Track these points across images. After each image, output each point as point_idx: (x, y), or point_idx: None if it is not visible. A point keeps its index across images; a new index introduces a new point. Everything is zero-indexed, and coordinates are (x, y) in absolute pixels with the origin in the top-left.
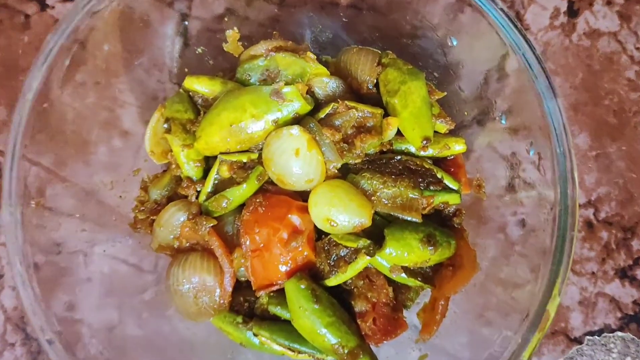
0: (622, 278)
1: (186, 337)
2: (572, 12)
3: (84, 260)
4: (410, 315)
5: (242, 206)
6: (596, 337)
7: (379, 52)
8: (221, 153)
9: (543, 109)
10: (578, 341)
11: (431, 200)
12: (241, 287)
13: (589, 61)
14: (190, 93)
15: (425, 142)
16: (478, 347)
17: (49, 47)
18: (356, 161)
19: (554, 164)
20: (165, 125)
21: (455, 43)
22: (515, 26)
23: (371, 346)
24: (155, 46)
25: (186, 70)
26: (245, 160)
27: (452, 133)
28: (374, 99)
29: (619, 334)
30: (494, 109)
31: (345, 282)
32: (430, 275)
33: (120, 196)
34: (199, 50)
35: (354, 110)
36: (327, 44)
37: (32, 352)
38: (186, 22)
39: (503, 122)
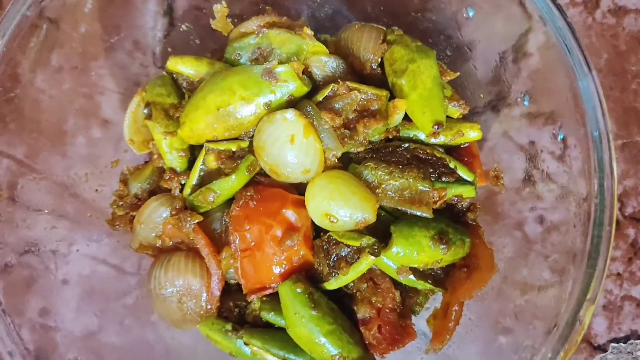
0: None
1: (172, 346)
2: None
3: (60, 260)
4: (419, 322)
5: (231, 200)
6: (622, 344)
7: (384, 28)
8: (207, 141)
9: (575, 89)
10: (602, 349)
11: (443, 193)
12: (231, 291)
13: (615, 41)
14: (174, 75)
15: (436, 127)
16: (495, 359)
17: (7, 23)
18: (359, 149)
19: (590, 151)
20: (146, 111)
21: (471, 15)
22: None
23: (376, 357)
24: (138, 26)
25: (170, 50)
26: (234, 149)
27: (465, 118)
28: (378, 80)
29: None
30: (511, 93)
31: (346, 286)
32: (442, 278)
33: (97, 190)
34: (184, 27)
35: (356, 92)
36: (326, 20)
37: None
38: (172, 0)
39: (526, 103)
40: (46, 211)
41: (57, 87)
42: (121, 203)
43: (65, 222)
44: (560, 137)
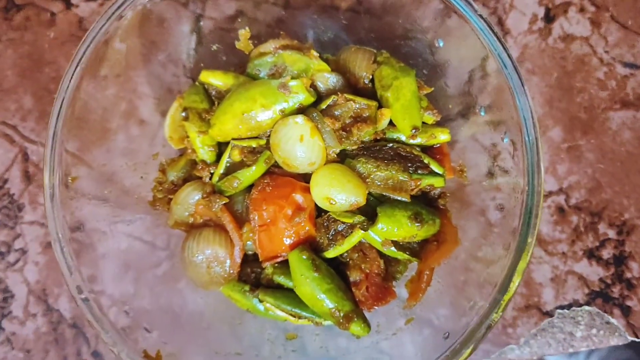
0: (590, 258)
1: (197, 307)
2: (549, 18)
3: (104, 237)
4: (399, 290)
5: (251, 186)
6: (566, 310)
7: (375, 51)
8: (233, 139)
9: (516, 104)
10: (549, 314)
11: (418, 183)
12: (248, 260)
13: (563, 62)
14: (206, 85)
15: (414, 131)
16: (457, 316)
17: (81, 51)
18: (353, 147)
19: (524, 153)
20: (183, 114)
21: (441, 44)
22: (493, 31)
23: (364, 312)
24: (172, 43)
25: (201, 65)
26: (254, 146)
27: (438, 124)
28: (369, 92)
29: (586, 308)
30: (476, 104)
31: (342, 254)
32: (417, 250)
33: (142, 177)
34: (214, 47)
35: (351, 102)
36: (328, 43)
37: (53, 323)
38: (201, 22)
39: (482, 113)
40: (95, 196)
41: (102, 92)
42: (160, 188)
43: (111, 205)
44: (505, 140)
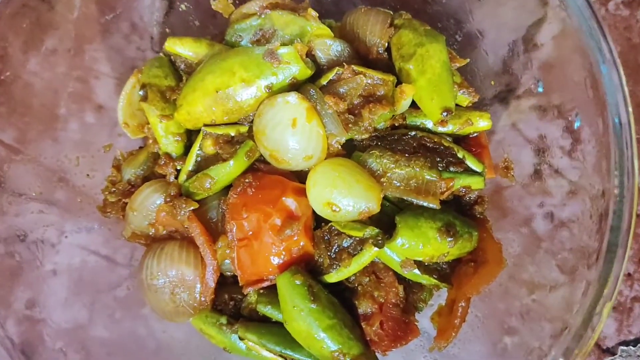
0: None
1: (163, 341)
2: None
3: (49, 250)
4: (423, 321)
5: (228, 187)
6: (631, 347)
7: (391, 12)
8: (205, 125)
9: (596, 75)
10: (611, 352)
11: (451, 184)
12: (226, 283)
13: (628, 33)
14: (172, 57)
15: (445, 114)
16: None
17: None
18: (363, 136)
19: (608, 145)
20: (142, 93)
21: None
22: None
23: (377, 354)
24: (135, 7)
25: (168, 31)
26: (232, 134)
27: (474, 108)
28: (384, 65)
29: None
30: (521, 84)
31: (348, 279)
32: (448, 273)
33: (88, 175)
34: (183, 6)
35: (361, 76)
36: (331, 4)
37: None
38: None
39: (540, 89)
40: (34, 196)
41: (50, 70)
42: (113, 189)
43: (55, 209)
44: (576, 125)
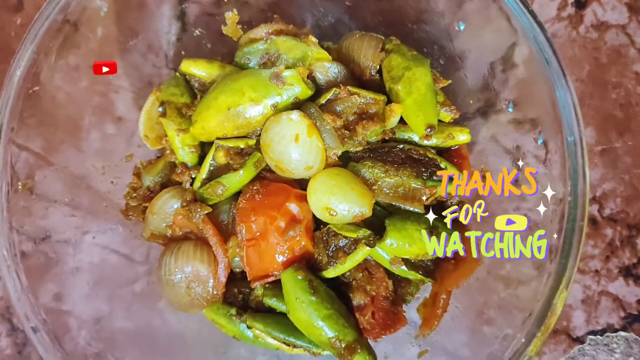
0: (626, 277)
1: (177, 330)
2: (580, 4)
3: (74, 249)
4: (410, 312)
5: (238, 194)
6: (599, 336)
7: (383, 37)
8: (217, 138)
9: (554, 98)
10: (580, 341)
11: (434, 191)
12: (235, 278)
13: (596, 54)
14: (187, 76)
15: (429, 129)
16: (479, 346)
17: (37, 26)
18: (357, 149)
19: (565, 157)
20: (161, 109)
21: (462, 28)
22: (528, 10)
23: (370, 341)
24: (152, 29)
25: (183, 53)
26: (242, 146)
27: (455, 123)
28: (376, 85)
29: (622, 333)
30: (499, 100)
31: (343, 274)
32: (432, 269)
33: (112, 182)
34: (197, 32)
35: (356, 96)
36: (329, 29)
37: (18, 344)
38: (184, 6)
39: (510, 110)
40: (62, 202)
41: (73, 85)
42: (134, 195)
43: (80, 213)
44: (540, 141)
